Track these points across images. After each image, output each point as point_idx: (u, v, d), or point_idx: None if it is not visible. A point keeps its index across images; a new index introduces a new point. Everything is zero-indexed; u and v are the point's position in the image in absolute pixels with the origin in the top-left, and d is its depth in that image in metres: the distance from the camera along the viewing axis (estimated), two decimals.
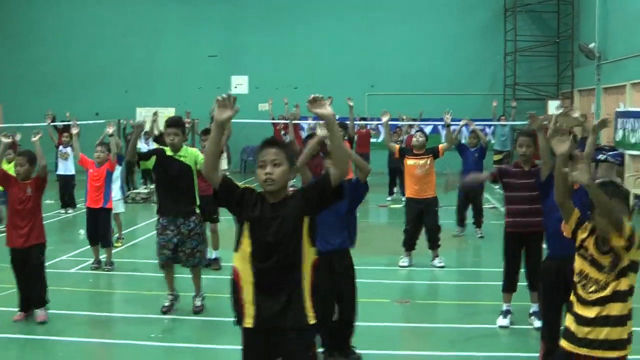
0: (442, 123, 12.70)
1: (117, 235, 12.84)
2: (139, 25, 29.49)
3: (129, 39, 29.52)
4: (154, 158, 8.53)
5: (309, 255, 4.38)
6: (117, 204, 12.56)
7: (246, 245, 4.36)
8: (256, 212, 4.37)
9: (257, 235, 4.34)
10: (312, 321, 4.39)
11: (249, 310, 4.36)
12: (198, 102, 23.80)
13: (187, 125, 9.48)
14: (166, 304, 8.79)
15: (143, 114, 25.99)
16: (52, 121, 20.00)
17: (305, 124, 21.49)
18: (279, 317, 4.30)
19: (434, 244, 11.37)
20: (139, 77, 29.20)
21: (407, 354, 7.56)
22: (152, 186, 20.26)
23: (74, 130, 11.10)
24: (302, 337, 4.38)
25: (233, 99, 4.34)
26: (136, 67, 29.38)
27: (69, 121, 19.09)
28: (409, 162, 11.33)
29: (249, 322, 4.37)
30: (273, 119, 22.25)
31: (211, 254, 11.25)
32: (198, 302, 8.82)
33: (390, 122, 11.17)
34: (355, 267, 6.86)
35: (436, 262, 11.32)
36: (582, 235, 4.75)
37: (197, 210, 8.70)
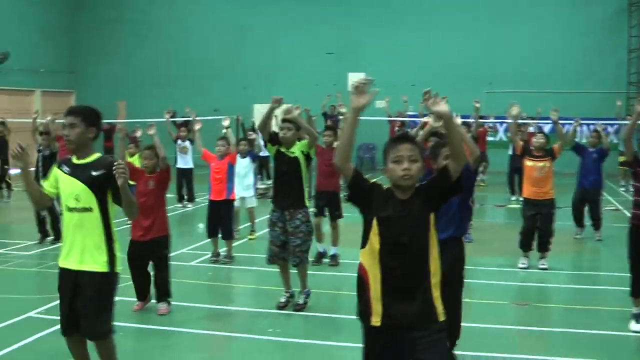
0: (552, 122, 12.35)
1: (250, 228, 13.43)
2: (257, 22, 29.91)
3: (248, 36, 30.01)
4: (276, 148, 8.68)
5: (436, 250, 4.35)
6: (251, 199, 13.15)
7: (375, 242, 4.31)
8: (386, 208, 4.32)
9: (386, 233, 4.30)
10: (441, 318, 4.32)
11: (377, 308, 4.29)
12: (314, 99, 23.96)
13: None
14: (282, 300, 8.90)
15: (261, 110, 26.40)
16: (172, 117, 20.52)
17: (418, 121, 21.31)
18: (408, 315, 4.24)
19: (543, 247, 11.13)
20: (257, 74, 29.60)
21: (523, 358, 7.39)
22: (269, 182, 20.58)
23: (197, 126, 11.50)
24: (432, 335, 4.28)
25: (370, 83, 4.31)
26: (254, 64, 29.81)
27: (188, 117, 19.54)
28: (528, 163, 11.15)
29: (376, 321, 4.30)
30: (390, 117, 22.20)
31: (330, 250, 11.34)
32: (301, 301, 8.85)
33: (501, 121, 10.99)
34: (471, 268, 6.74)
35: (539, 264, 11.09)
36: None
37: (307, 205, 8.75)
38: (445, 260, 6.29)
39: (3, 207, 17.81)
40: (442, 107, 4.25)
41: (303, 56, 29.38)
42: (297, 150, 8.62)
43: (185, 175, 17.76)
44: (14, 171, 19.42)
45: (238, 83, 29.75)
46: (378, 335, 4.35)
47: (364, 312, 4.39)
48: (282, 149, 8.63)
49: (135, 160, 15.09)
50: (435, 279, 4.32)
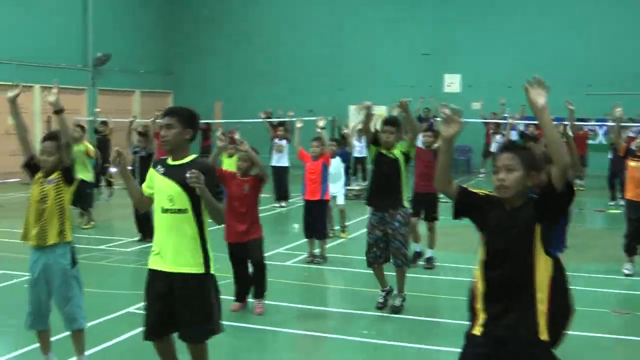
0: None
1: (342, 227, 13.44)
2: (352, 23, 29.96)
3: (344, 36, 30.07)
4: (377, 149, 8.65)
5: (545, 266, 4.17)
6: (341, 198, 13.23)
7: (481, 252, 4.26)
8: (492, 219, 4.24)
9: (490, 243, 4.23)
10: (543, 336, 4.15)
11: (480, 318, 4.24)
12: (410, 100, 23.89)
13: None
14: (380, 300, 8.86)
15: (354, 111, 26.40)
16: (268, 117, 20.75)
17: (522, 123, 20.95)
18: (509, 328, 4.14)
19: None
20: (352, 75, 29.64)
21: None
22: (364, 183, 20.57)
23: (298, 124, 11.63)
24: (534, 351, 4.15)
25: (460, 113, 4.26)
26: (349, 65, 29.85)
27: (283, 117, 19.74)
28: (632, 163, 10.86)
29: (477, 330, 4.24)
30: (484, 119, 21.93)
31: (426, 252, 11.26)
32: (397, 302, 8.77)
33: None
34: (570, 274, 6.55)
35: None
36: None
37: (406, 206, 8.69)
38: None
39: (104, 205, 18.26)
40: (540, 98, 4.11)
41: (399, 57, 29.25)
42: (397, 151, 8.58)
43: (280, 174, 17.87)
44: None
45: (334, 84, 29.84)
46: (477, 345, 4.26)
47: (470, 319, 4.36)
48: (383, 150, 8.60)
49: (234, 162, 15.29)
50: (541, 294, 4.16)
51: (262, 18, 31.50)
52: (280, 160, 17.80)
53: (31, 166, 6.44)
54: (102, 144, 19.08)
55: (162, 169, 5.46)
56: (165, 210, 5.39)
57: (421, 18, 29.14)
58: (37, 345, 6.62)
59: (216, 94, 30.89)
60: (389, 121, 8.75)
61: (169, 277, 5.38)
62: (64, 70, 27.21)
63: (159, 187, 5.43)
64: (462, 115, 4.30)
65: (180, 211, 5.35)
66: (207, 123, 26.24)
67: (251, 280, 8.76)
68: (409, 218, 8.85)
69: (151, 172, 5.56)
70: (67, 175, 6.32)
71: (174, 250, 5.37)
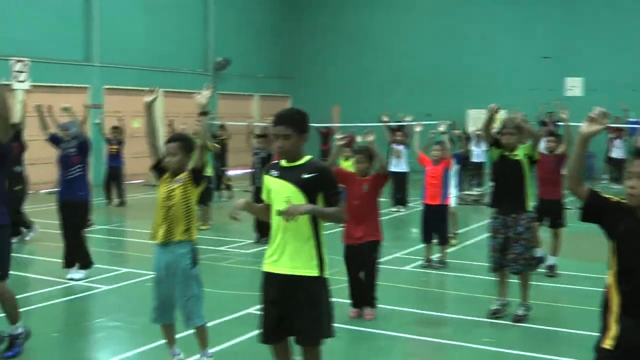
0: None
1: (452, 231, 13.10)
2: (471, 27, 29.61)
3: (463, 39, 29.75)
4: (499, 151, 8.52)
5: None
6: (453, 201, 12.91)
7: (613, 262, 4.08)
8: (623, 227, 4.05)
9: (622, 253, 4.04)
10: None
11: (612, 331, 4.06)
12: (530, 104, 23.35)
13: None
14: (493, 307, 8.67)
15: (474, 117, 26.13)
16: (387, 121, 20.73)
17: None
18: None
19: None
20: (471, 79, 29.29)
21: None
22: (481, 189, 20.28)
23: (417, 128, 11.55)
24: None
25: (607, 115, 4.12)
26: (468, 69, 29.50)
27: (401, 122, 19.69)
28: None
29: (608, 344, 4.06)
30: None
31: (549, 259, 10.99)
32: (520, 312, 8.54)
33: None
34: None
35: None
36: None
37: (529, 210, 8.50)
38: None
39: (223, 207, 18.56)
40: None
41: (518, 60, 28.75)
42: (520, 153, 8.42)
43: (399, 179, 17.80)
44: (232, 172, 20.28)
45: (452, 88, 29.53)
46: (607, 358, 4.08)
47: (601, 331, 4.16)
48: (506, 153, 8.45)
49: (350, 166, 15.30)
50: None
51: (380, 23, 31.46)
52: (399, 165, 17.75)
53: (159, 169, 6.62)
54: (221, 148, 19.43)
55: (276, 172, 5.42)
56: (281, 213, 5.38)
57: (542, 20, 28.53)
58: (163, 341, 6.79)
59: (334, 98, 31.12)
60: (509, 123, 8.64)
61: (283, 280, 5.36)
62: (185, 75, 27.93)
63: (275, 189, 5.38)
64: (609, 119, 4.15)
65: None
66: (326, 127, 26.42)
67: (361, 288, 8.67)
68: (532, 222, 8.63)
69: (266, 178, 5.52)
70: (196, 176, 6.47)
71: (289, 253, 5.34)
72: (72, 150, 10.32)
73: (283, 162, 5.43)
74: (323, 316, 5.39)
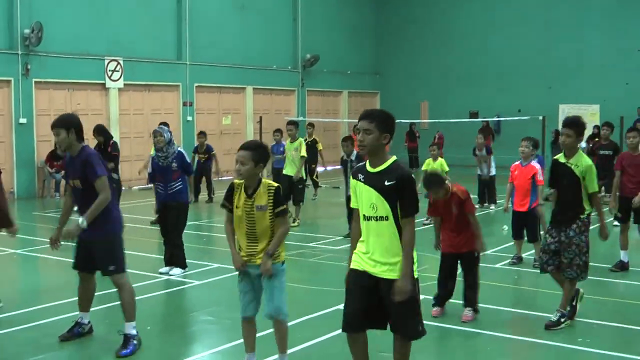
0: None
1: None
2: (563, 19, 29.04)
3: (552, 33, 29.21)
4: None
5: None
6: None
7: None
8: None
9: None
10: None
11: None
12: (624, 98, 22.79)
13: None
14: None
15: (566, 111, 25.60)
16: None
17: None
18: None
19: None
20: (563, 73, 28.74)
21: None
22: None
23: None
24: None
25: None
26: (560, 63, 28.94)
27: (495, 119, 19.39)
28: None
29: None
30: None
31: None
32: (554, 317, 8.13)
33: None
34: None
35: None
36: None
37: (583, 217, 8.08)
38: None
39: (311, 204, 18.67)
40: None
41: (611, 54, 28.04)
42: (580, 164, 8.05)
43: (485, 183, 17.67)
44: (320, 168, 20.35)
45: (543, 82, 29.00)
46: None
47: None
48: (561, 159, 8.17)
49: (439, 164, 15.27)
50: None
51: (469, 19, 31.15)
52: (485, 169, 17.49)
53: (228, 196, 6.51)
54: (309, 145, 19.48)
55: (363, 177, 5.49)
56: (368, 218, 5.45)
57: (636, 12, 27.75)
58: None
59: (422, 94, 30.95)
60: (567, 122, 8.20)
61: (374, 280, 5.46)
62: (274, 72, 28.16)
63: (362, 194, 5.48)
64: None
65: (381, 218, 5.40)
66: (412, 124, 26.30)
67: (451, 292, 8.66)
68: (586, 225, 8.14)
69: (353, 182, 5.58)
70: (278, 201, 6.32)
71: (378, 255, 5.44)
72: (174, 167, 10.59)
73: (368, 166, 5.50)
74: (417, 315, 5.54)
